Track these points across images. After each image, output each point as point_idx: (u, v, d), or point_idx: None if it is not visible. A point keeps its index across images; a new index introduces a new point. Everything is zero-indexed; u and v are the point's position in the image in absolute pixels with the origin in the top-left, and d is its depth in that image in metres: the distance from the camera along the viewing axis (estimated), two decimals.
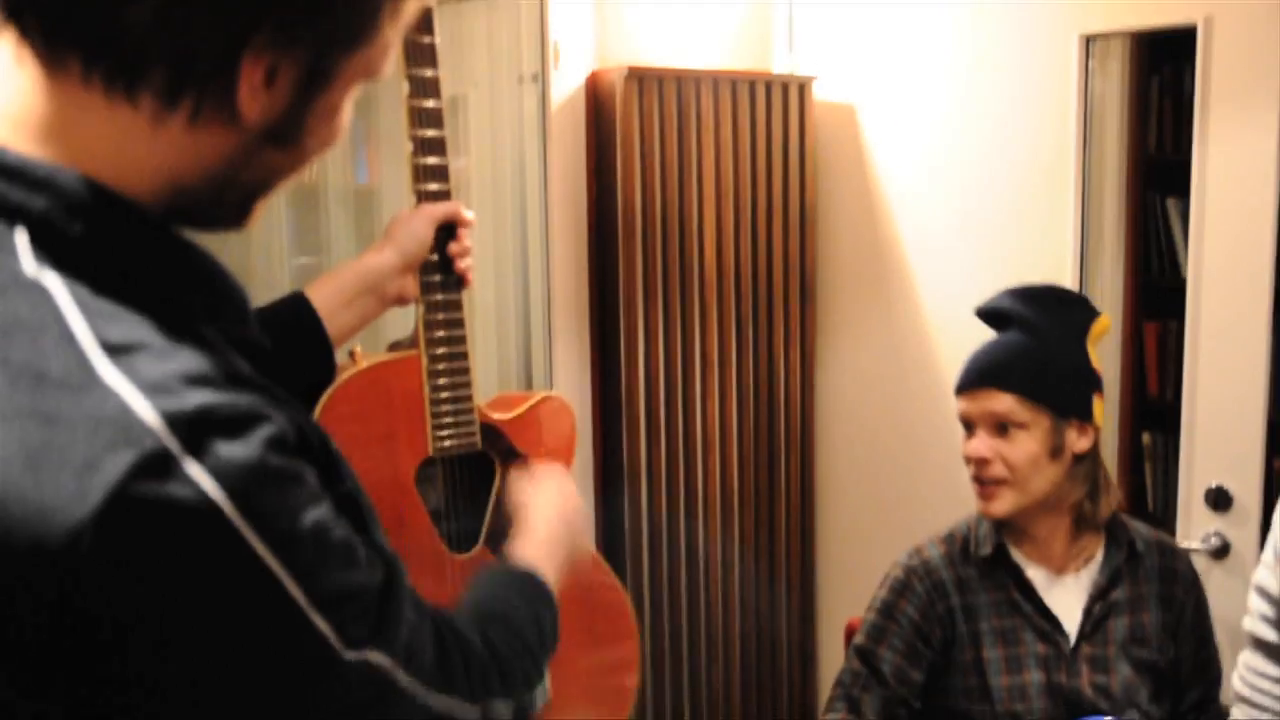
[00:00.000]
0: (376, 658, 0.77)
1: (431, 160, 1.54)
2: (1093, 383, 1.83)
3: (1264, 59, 2.26)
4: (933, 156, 2.78)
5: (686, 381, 2.74)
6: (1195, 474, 2.42)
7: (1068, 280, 2.56)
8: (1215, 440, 2.38)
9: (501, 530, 1.40)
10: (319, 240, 2.67)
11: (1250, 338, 2.32)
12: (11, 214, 0.71)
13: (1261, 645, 1.50)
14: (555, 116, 2.63)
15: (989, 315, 1.89)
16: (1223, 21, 2.31)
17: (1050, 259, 2.59)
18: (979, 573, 1.86)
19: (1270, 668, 1.49)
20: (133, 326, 0.71)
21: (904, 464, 2.89)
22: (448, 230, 1.58)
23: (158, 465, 0.66)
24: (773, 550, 2.94)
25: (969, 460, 1.82)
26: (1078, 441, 1.80)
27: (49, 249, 0.72)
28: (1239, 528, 2.34)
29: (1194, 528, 2.41)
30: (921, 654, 1.87)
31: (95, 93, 0.73)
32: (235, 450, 0.69)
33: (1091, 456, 1.83)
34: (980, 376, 1.82)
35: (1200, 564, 2.28)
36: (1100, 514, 1.84)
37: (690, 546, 2.78)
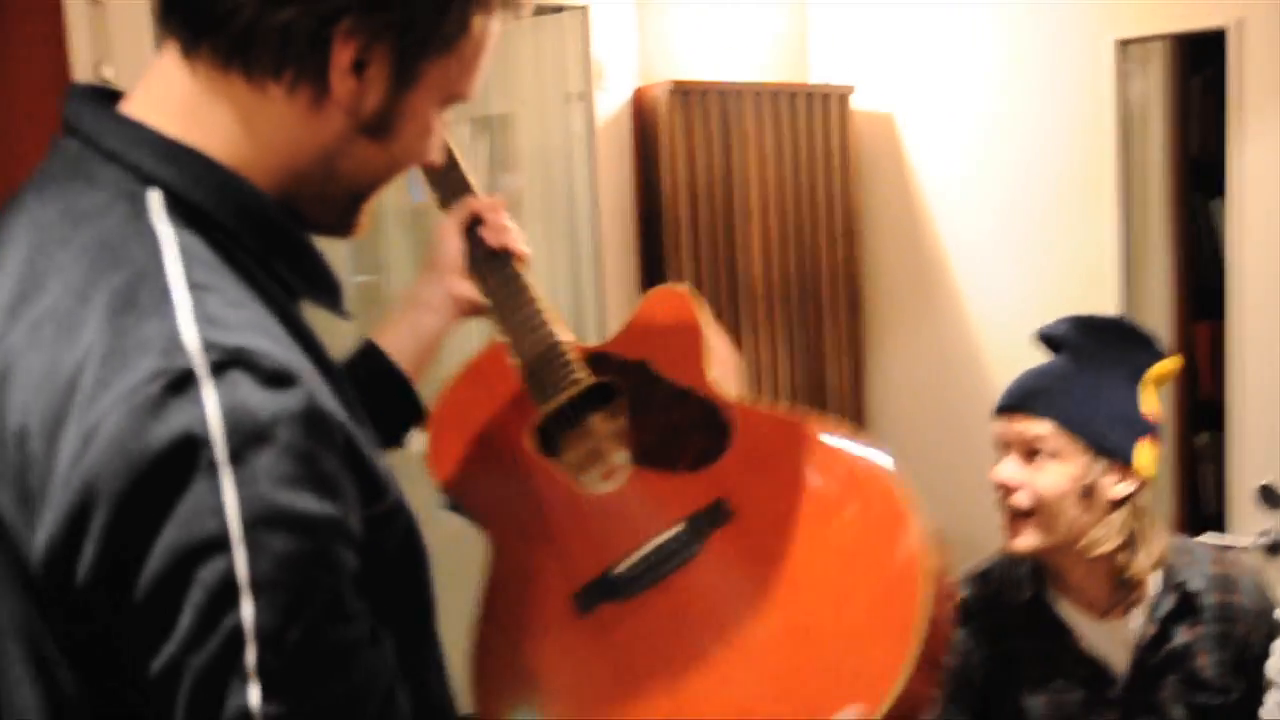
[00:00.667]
0: (257, 703, 0.71)
1: (443, 172, 1.48)
2: (1141, 428, 1.73)
3: None
4: (972, 163, 2.81)
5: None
6: (1245, 472, 2.43)
7: (1112, 284, 2.58)
8: (1263, 438, 2.40)
9: (650, 446, 1.32)
10: (377, 259, 2.75)
11: None
12: (147, 179, 0.83)
13: None
14: (601, 133, 2.68)
15: (1044, 339, 1.82)
16: (1254, 23, 2.33)
17: (1094, 262, 2.61)
18: (1017, 617, 1.79)
19: None
20: (220, 277, 0.80)
21: (956, 473, 2.90)
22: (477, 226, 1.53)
23: (177, 381, 0.72)
24: None
25: (996, 485, 1.76)
26: (1114, 487, 1.71)
27: (176, 210, 0.82)
28: None
29: (1245, 526, 2.42)
30: (965, 694, 1.82)
31: (219, 76, 0.84)
32: (257, 396, 0.72)
33: (1131, 504, 1.72)
34: (1018, 399, 1.76)
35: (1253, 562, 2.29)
36: (1136, 570, 1.72)
37: None
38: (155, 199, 0.82)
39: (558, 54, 2.71)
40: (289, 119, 0.85)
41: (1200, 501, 2.94)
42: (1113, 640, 1.74)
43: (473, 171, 1.57)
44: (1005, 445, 1.76)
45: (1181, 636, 1.73)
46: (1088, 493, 1.69)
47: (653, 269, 2.73)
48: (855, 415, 2.97)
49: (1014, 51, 2.71)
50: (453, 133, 1.47)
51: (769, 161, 2.78)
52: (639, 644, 1.18)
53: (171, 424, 0.71)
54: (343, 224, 0.94)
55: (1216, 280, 2.51)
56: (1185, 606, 1.73)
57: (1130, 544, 1.71)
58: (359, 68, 0.83)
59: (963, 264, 2.86)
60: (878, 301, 3.02)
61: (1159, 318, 2.91)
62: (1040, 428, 1.71)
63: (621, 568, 1.22)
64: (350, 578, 0.76)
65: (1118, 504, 1.71)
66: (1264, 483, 2.41)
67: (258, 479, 0.71)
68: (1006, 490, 1.73)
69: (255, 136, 0.85)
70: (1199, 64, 2.96)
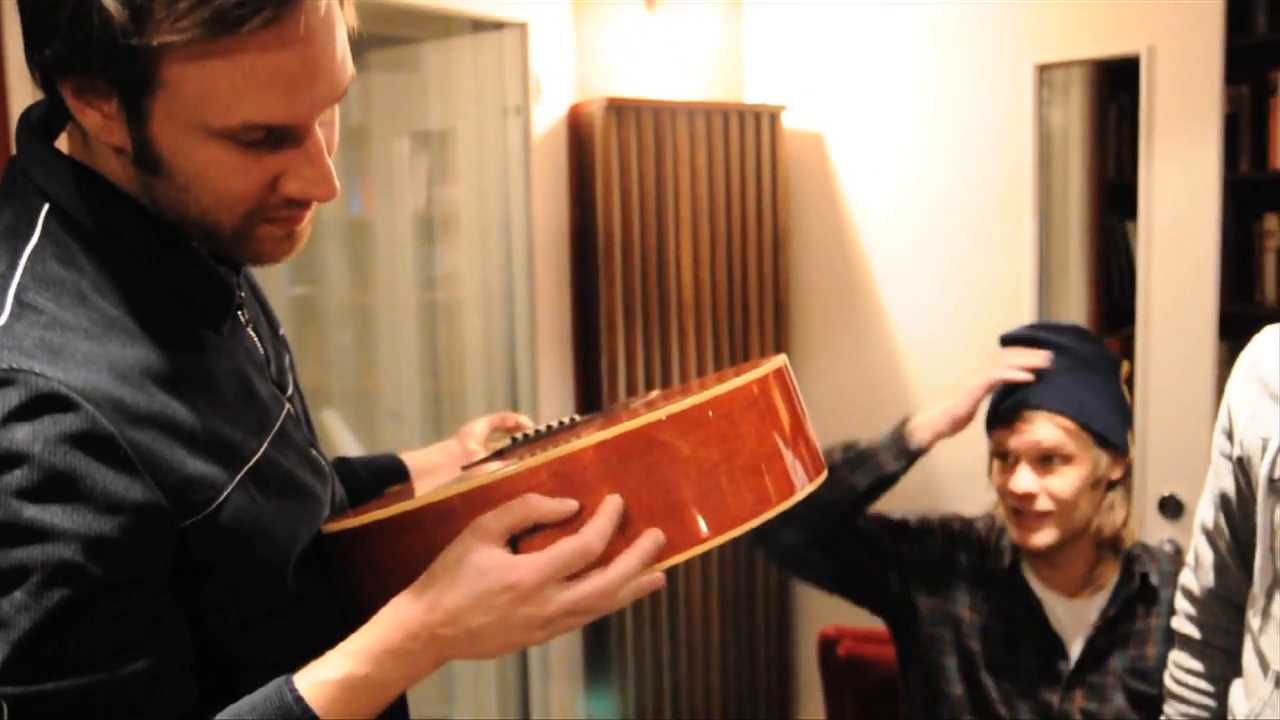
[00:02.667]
0: None
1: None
2: (1129, 416, 1.84)
3: (1204, 86, 2.39)
4: (898, 182, 2.88)
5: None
6: (1149, 484, 2.52)
7: (1028, 301, 2.67)
8: (1167, 452, 2.49)
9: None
10: (314, 270, 2.77)
11: (1197, 352, 2.44)
12: (42, 193, 0.92)
13: (1186, 642, 1.58)
14: (538, 147, 2.72)
15: (1022, 340, 1.86)
16: (1164, 51, 2.43)
17: (1012, 280, 2.69)
18: (989, 578, 1.89)
19: (1194, 663, 1.57)
20: (57, 297, 0.88)
21: None
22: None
23: None
24: (751, 562, 3.04)
25: (1009, 494, 1.79)
26: (1113, 469, 1.80)
27: (64, 225, 0.91)
28: (1190, 534, 2.45)
29: (1149, 535, 2.51)
30: (898, 576, 1.93)
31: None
32: (18, 417, 0.81)
33: (1123, 483, 1.83)
34: (1026, 401, 1.78)
35: None
36: (1129, 539, 1.84)
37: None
38: (44, 214, 0.91)
39: (496, 69, 2.75)
40: (98, 153, 0.93)
41: None
42: (1074, 622, 1.84)
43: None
44: (1013, 454, 1.79)
45: (1138, 622, 1.83)
46: (1097, 484, 1.79)
47: (586, 280, 2.78)
48: None
49: (940, 74, 2.79)
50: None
51: (701, 177, 2.84)
52: None
53: None
54: (238, 249, 0.96)
55: (1130, 298, 2.60)
56: (1145, 594, 1.83)
57: (1125, 520, 1.83)
58: (86, 102, 0.87)
59: (886, 279, 2.94)
60: (804, 314, 3.09)
61: None
62: (1052, 433, 1.75)
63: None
64: (106, 581, 0.83)
65: (1112, 484, 1.81)
66: (1166, 494, 2.50)
67: (6, 492, 0.80)
68: (1027, 499, 1.77)
69: (106, 169, 0.93)
70: (1116, 90, 3.07)
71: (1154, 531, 2.51)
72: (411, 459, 1.39)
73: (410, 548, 0.97)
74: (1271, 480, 1.31)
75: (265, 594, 0.96)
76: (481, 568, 0.92)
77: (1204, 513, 1.53)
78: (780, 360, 1.08)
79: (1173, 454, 2.48)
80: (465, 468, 1.31)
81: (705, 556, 2.92)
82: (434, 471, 1.41)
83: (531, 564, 0.92)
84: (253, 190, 0.91)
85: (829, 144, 3.00)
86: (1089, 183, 3.09)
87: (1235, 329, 2.63)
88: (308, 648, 0.97)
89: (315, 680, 0.89)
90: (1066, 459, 1.76)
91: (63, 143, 0.96)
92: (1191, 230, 2.43)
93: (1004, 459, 1.82)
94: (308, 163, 0.92)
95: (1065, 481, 1.76)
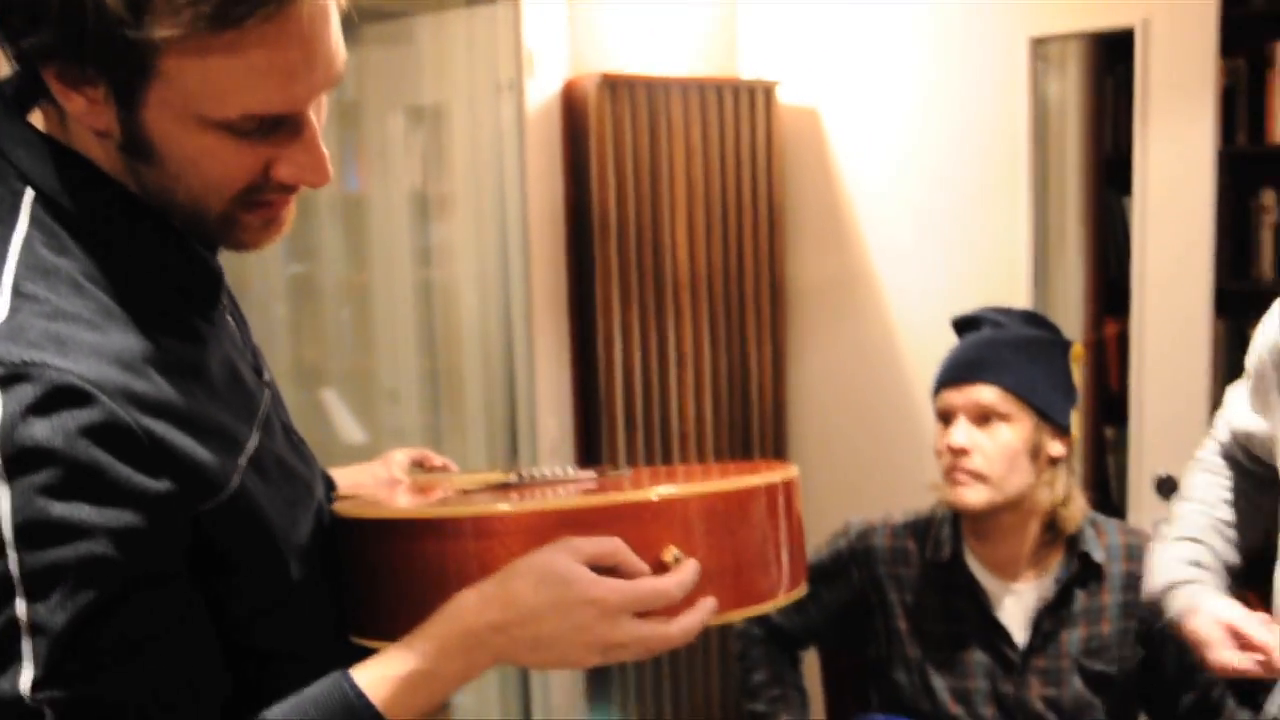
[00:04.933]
0: (27, 688, 0.78)
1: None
2: (1073, 396, 1.85)
3: (1199, 59, 2.38)
4: (894, 157, 2.88)
5: (662, 378, 2.85)
6: (1144, 463, 2.53)
7: (1023, 276, 2.67)
8: (1162, 430, 2.50)
9: None
10: (311, 247, 2.76)
11: (1193, 330, 2.44)
12: (25, 178, 0.89)
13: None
14: (532, 123, 2.72)
15: (962, 323, 1.91)
16: (1159, 24, 2.42)
17: (1008, 256, 2.70)
18: (931, 573, 1.88)
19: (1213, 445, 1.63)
20: (54, 285, 0.85)
21: (872, 454, 3.00)
22: None
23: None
24: None
25: (945, 451, 1.81)
26: (1052, 446, 1.81)
27: (49, 210, 0.88)
28: None
29: (1144, 515, 2.52)
30: (832, 629, 1.98)
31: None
32: (37, 411, 0.79)
33: (1066, 464, 1.83)
34: (967, 370, 1.82)
35: None
36: (1069, 521, 1.82)
37: None
38: (28, 200, 0.88)
39: (489, 44, 2.73)
40: (78, 136, 0.90)
41: (1108, 492, 3.05)
42: (1019, 608, 1.84)
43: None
44: (953, 412, 1.82)
45: (1080, 602, 1.82)
46: (1034, 453, 1.80)
47: (581, 256, 2.78)
48: (775, 401, 3.05)
49: (935, 49, 2.78)
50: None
51: (696, 152, 2.84)
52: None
53: None
54: (224, 235, 0.95)
55: (1127, 275, 2.61)
56: (1086, 573, 1.83)
57: (1066, 499, 1.82)
58: (65, 83, 0.85)
59: (882, 255, 2.94)
60: (799, 290, 3.09)
61: (1071, 312, 3.01)
62: (992, 394, 1.79)
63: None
64: (136, 574, 0.82)
65: (1054, 462, 1.82)
66: (1161, 473, 2.51)
67: (32, 491, 0.79)
68: (960, 453, 1.79)
69: (87, 152, 0.91)
70: (1113, 63, 3.05)
71: (1149, 512, 2.52)
72: (339, 475, 1.36)
73: (440, 554, 0.97)
74: None
75: (272, 583, 0.96)
76: (567, 577, 0.92)
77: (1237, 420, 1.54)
78: (795, 471, 1.16)
79: (1168, 433, 2.49)
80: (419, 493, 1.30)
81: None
82: (359, 489, 1.38)
83: (617, 586, 0.93)
84: (244, 177, 0.90)
85: (824, 119, 2.99)
86: (1085, 157, 3.08)
87: (1231, 305, 2.63)
88: (312, 636, 0.97)
89: (377, 676, 0.89)
90: (1004, 417, 1.78)
91: (36, 120, 0.93)
92: (1187, 205, 2.42)
93: (945, 421, 1.84)
94: (303, 149, 0.91)
95: (1000, 440, 1.77)
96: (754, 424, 3.02)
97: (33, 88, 0.91)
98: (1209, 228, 2.41)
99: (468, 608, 0.92)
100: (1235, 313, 2.65)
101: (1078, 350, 1.88)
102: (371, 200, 2.83)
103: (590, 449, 2.83)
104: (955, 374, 1.84)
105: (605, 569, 0.94)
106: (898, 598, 1.91)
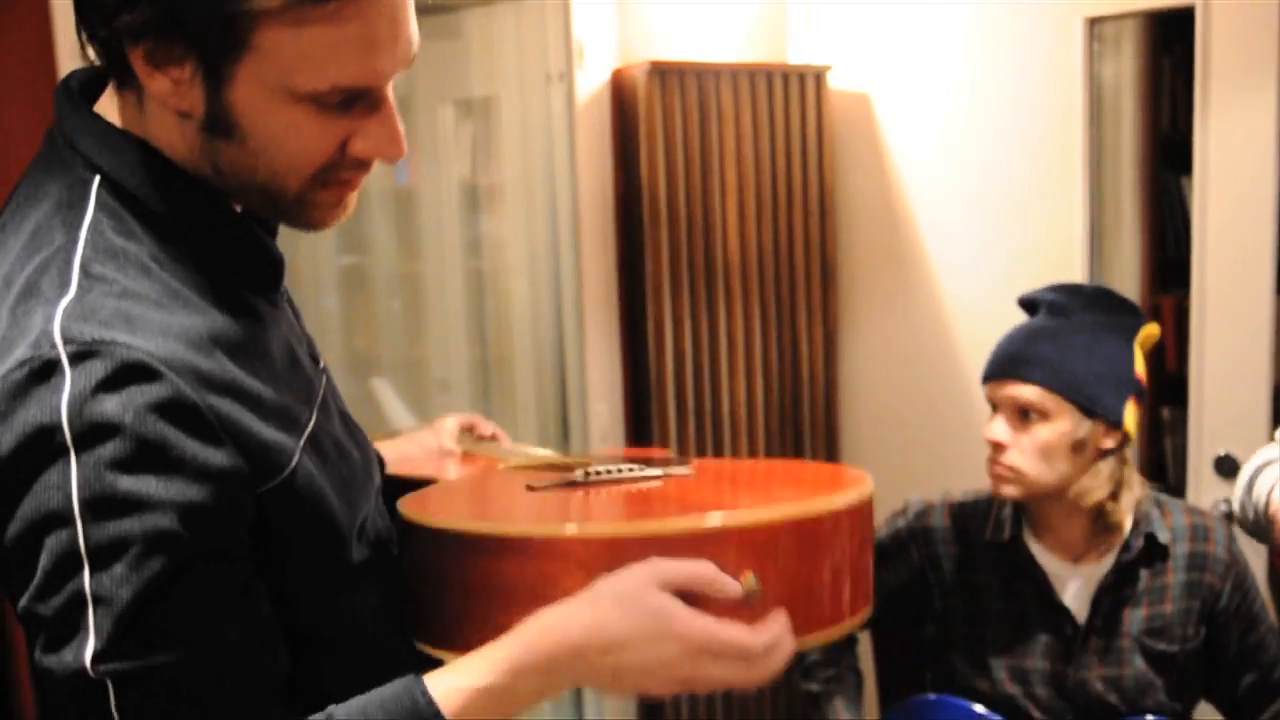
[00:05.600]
0: (88, 660, 0.80)
1: None
2: (1130, 388, 1.79)
3: (1262, 37, 2.33)
4: (946, 141, 2.85)
5: (713, 364, 2.84)
6: (1204, 443, 2.49)
7: (1078, 257, 2.64)
8: (1222, 410, 2.46)
9: None
10: (362, 240, 2.80)
11: (1254, 310, 2.40)
12: (92, 165, 0.92)
13: None
14: (581, 113, 2.73)
15: (1026, 303, 1.87)
16: (1220, 1, 2.38)
17: (1062, 238, 2.66)
18: (991, 553, 1.87)
19: None
20: (121, 266, 0.88)
21: (926, 439, 2.98)
22: None
23: (40, 370, 0.81)
24: None
25: (988, 443, 1.81)
26: (1103, 439, 1.77)
27: (116, 195, 0.90)
28: None
29: (1204, 496, 2.49)
30: (889, 611, 1.92)
31: (126, 99, 0.94)
32: (106, 388, 0.81)
33: (1117, 455, 1.79)
34: (1005, 366, 1.80)
35: None
36: (1118, 515, 1.80)
37: None
38: (95, 187, 0.91)
39: (539, 35, 2.75)
40: (154, 121, 0.93)
41: (1165, 473, 3.01)
42: (1081, 588, 1.82)
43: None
44: (995, 406, 1.81)
45: (1143, 582, 1.80)
46: (1077, 448, 1.76)
47: (631, 245, 2.79)
48: (827, 386, 3.04)
49: (987, 31, 2.75)
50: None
51: (746, 140, 2.83)
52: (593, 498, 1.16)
53: (30, 411, 0.81)
54: (297, 214, 0.98)
55: (1185, 255, 2.57)
56: (1151, 553, 1.81)
57: (1115, 492, 1.79)
58: (161, 70, 0.88)
59: (935, 239, 2.91)
60: (851, 276, 3.08)
61: (1127, 292, 2.96)
62: (1030, 392, 1.75)
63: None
64: (200, 549, 0.84)
65: (1104, 454, 1.78)
66: (1222, 453, 2.47)
67: (100, 464, 0.80)
68: (999, 449, 1.78)
69: (158, 138, 0.93)
70: (1170, 42, 3.00)
71: (1210, 492, 2.48)
72: (387, 449, 1.37)
73: (514, 573, 0.96)
74: None
75: (329, 565, 0.97)
76: (656, 610, 0.90)
77: None
78: (870, 486, 1.12)
79: (1228, 413, 2.45)
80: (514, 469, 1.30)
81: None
82: (410, 462, 1.40)
83: (706, 629, 0.91)
84: (325, 152, 0.92)
85: (875, 104, 2.97)
86: (1142, 138, 3.04)
87: None
88: (369, 623, 0.98)
89: (450, 686, 0.88)
90: (1043, 415, 1.75)
91: (107, 107, 0.95)
92: (1248, 185, 2.38)
93: (993, 408, 1.83)
94: (380, 123, 0.94)
95: (1036, 438, 1.75)
96: (805, 409, 3.01)
97: (102, 77, 0.94)
98: (1272, 207, 2.36)
99: (551, 628, 0.90)
100: None
101: (1149, 333, 1.83)
102: (422, 192, 2.86)
103: (641, 435, 2.83)
104: (997, 368, 1.82)
105: (689, 595, 0.92)
106: (956, 577, 1.90)
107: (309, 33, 0.86)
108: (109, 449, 0.80)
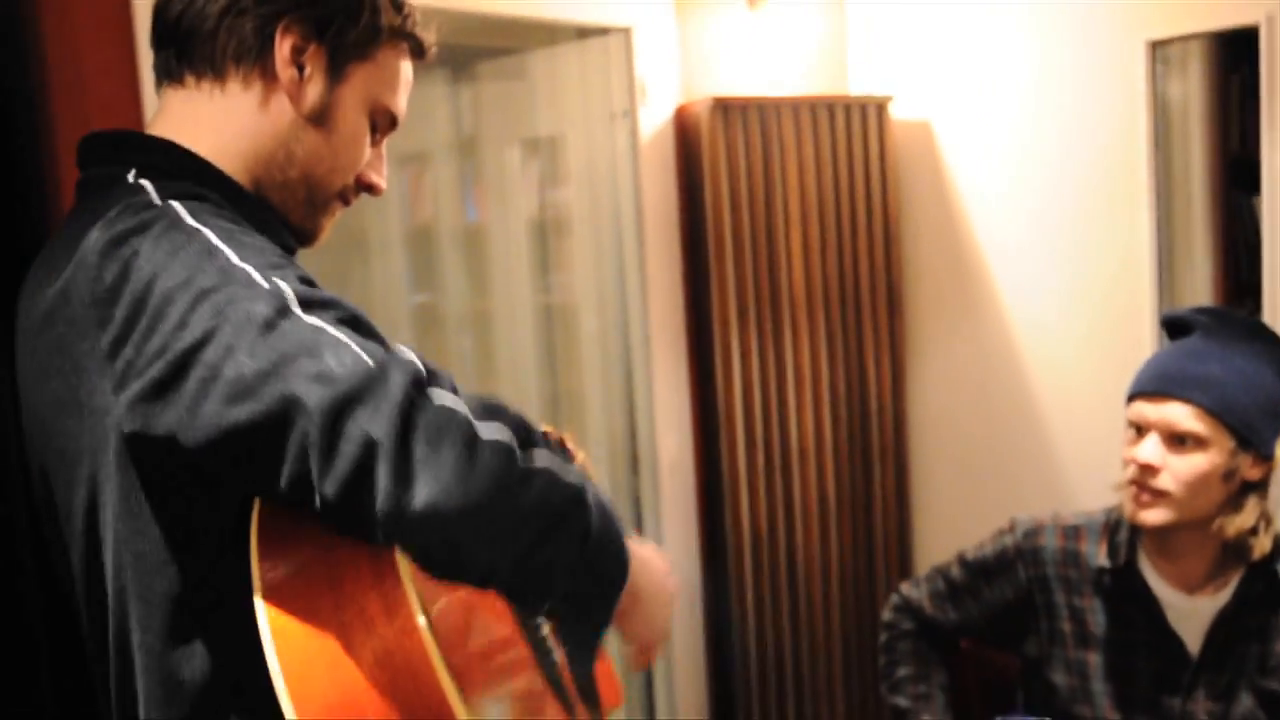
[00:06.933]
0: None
1: None
2: None
3: None
4: (1009, 167, 2.86)
5: (781, 395, 2.86)
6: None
7: (1148, 281, 2.63)
8: None
9: None
10: (434, 278, 2.86)
11: None
12: (126, 163, 1.04)
13: None
14: (646, 149, 2.78)
15: (1171, 321, 1.82)
16: None
17: (1130, 262, 2.66)
18: (1102, 578, 1.83)
19: None
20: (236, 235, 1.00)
21: (997, 468, 2.97)
22: None
23: (282, 305, 0.88)
24: (871, 556, 3.04)
25: (1132, 463, 1.74)
26: (1250, 470, 1.72)
27: (166, 191, 1.01)
28: None
29: None
30: (990, 626, 1.94)
31: (194, 89, 1.08)
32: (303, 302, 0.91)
33: (1262, 488, 1.74)
34: (1164, 384, 1.73)
35: None
36: (1259, 549, 1.74)
37: (790, 553, 2.90)
38: (149, 185, 1.02)
39: (603, 74, 2.81)
40: (248, 109, 1.07)
41: None
42: (1194, 620, 1.78)
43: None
44: (1146, 426, 1.75)
45: (1261, 616, 1.75)
46: (1227, 477, 1.71)
47: (698, 278, 2.83)
48: (896, 414, 3.04)
49: (1047, 56, 2.76)
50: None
51: (809, 171, 2.86)
52: None
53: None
54: (307, 221, 1.13)
55: (1257, 276, 2.54)
56: (1273, 592, 1.75)
57: (1257, 526, 1.73)
58: (298, 58, 1.06)
59: (1000, 266, 2.92)
60: (917, 305, 3.09)
61: None
62: (1190, 416, 1.70)
63: None
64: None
65: (1248, 486, 1.73)
66: None
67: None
68: (1147, 470, 1.72)
69: (224, 130, 1.07)
70: (1238, 62, 2.98)
71: None
72: None
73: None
74: None
75: None
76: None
77: None
78: None
79: None
80: None
81: (824, 549, 2.94)
82: None
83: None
84: (360, 163, 1.13)
85: (937, 132, 2.99)
86: (1210, 159, 3.00)
87: None
88: None
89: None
90: (1199, 443, 1.70)
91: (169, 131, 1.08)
92: None
93: (1138, 430, 1.76)
94: (379, 157, 1.16)
95: (1192, 464, 1.70)
96: (874, 438, 3.02)
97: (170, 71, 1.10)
98: None
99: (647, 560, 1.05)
100: None
101: None
102: (490, 230, 2.92)
103: (710, 466, 2.86)
104: (1154, 385, 1.75)
105: None
106: (1064, 599, 1.86)
107: (400, 63, 1.12)
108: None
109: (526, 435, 0.89)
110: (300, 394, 0.82)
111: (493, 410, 0.89)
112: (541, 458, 0.87)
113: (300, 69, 1.06)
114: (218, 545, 0.94)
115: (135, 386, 0.88)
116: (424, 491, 0.79)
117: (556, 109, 2.87)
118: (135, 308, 0.89)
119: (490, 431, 0.84)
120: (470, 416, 0.84)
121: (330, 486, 0.81)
